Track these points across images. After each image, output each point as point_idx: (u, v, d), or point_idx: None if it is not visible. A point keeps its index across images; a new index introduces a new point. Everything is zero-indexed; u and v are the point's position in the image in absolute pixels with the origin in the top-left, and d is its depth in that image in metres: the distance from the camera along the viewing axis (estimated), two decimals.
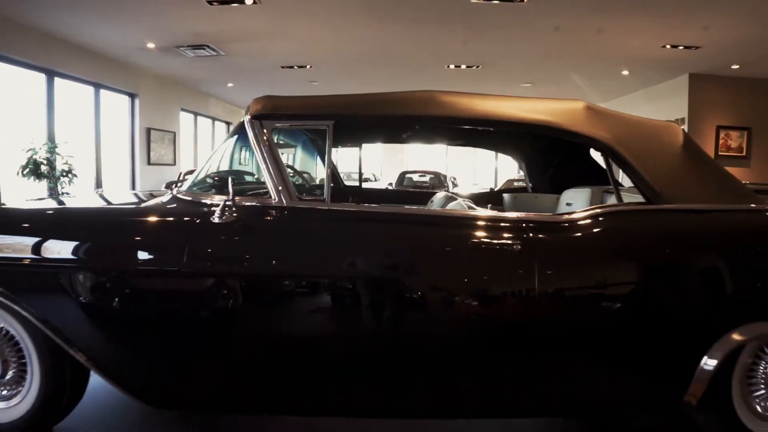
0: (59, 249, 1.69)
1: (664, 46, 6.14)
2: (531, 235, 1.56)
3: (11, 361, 1.82)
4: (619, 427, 2.02)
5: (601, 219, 1.61)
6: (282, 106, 1.73)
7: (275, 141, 1.69)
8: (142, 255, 1.62)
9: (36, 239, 1.70)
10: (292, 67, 7.77)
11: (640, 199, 1.73)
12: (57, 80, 6.26)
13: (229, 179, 1.56)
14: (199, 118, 10.55)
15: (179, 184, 2.01)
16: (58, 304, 1.65)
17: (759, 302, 1.60)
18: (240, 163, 1.99)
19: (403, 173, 11.01)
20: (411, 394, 1.65)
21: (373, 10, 5.15)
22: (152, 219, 1.72)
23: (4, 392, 1.85)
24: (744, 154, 8.00)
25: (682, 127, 1.87)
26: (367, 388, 1.65)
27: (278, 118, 1.71)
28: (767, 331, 1.60)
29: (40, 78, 6.06)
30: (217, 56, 6.98)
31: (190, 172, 6.94)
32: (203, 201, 1.73)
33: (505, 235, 1.57)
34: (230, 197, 1.55)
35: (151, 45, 6.48)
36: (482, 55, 6.96)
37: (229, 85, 9.45)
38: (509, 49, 6.55)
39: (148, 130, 8.26)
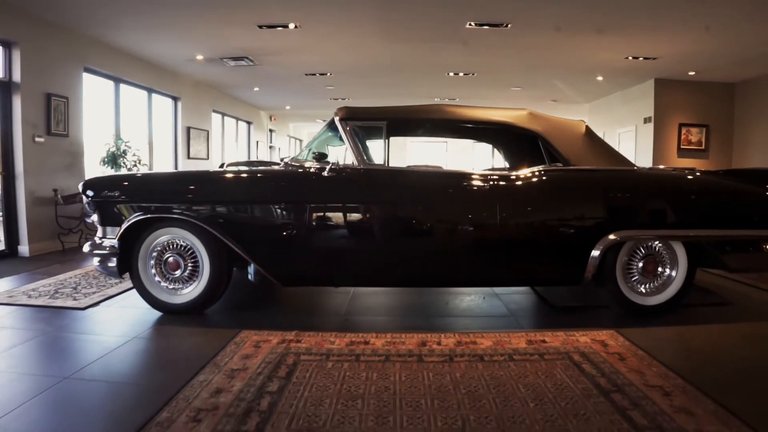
0: (236, 191, 2.97)
1: (627, 58, 7.40)
2: (495, 183, 2.85)
3: (188, 264, 3.09)
4: (558, 306, 3.30)
5: (535, 174, 2.90)
6: (356, 112, 3.01)
7: (354, 132, 2.97)
8: (285, 194, 2.90)
9: (227, 187, 3.00)
10: (314, 74, 9.02)
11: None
12: (122, 86, 7.52)
13: (333, 156, 2.84)
14: (225, 118, 11.79)
15: (289, 157, 3.30)
16: (232, 223, 2.90)
17: (623, 218, 2.88)
18: (326, 146, 3.28)
19: (408, 167, 11.96)
20: (429, 273, 2.93)
21: (388, 33, 6.42)
22: (287, 174, 3.01)
23: (185, 284, 3.11)
24: (703, 147, 9.25)
25: (586, 124, 3.15)
26: (401, 269, 2.93)
27: (355, 119, 2.98)
28: (627, 234, 2.86)
29: (109, 84, 7.32)
30: (252, 66, 8.22)
31: (231, 164, 8.22)
32: (305, 165, 3.03)
33: (480, 183, 2.87)
34: (336, 162, 2.82)
35: (199, 57, 7.72)
36: (476, 66, 8.21)
37: (256, 89, 10.68)
38: (499, 62, 7.80)
39: (188, 129, 9.50)
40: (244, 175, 3.12)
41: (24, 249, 5.24)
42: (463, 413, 1.79)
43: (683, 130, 9.10)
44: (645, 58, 7.37)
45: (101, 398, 1.98)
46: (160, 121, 8.85)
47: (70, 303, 3.38)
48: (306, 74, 9.00)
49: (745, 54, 6.93)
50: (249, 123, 13.09)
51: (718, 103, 9.03)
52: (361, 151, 2.91)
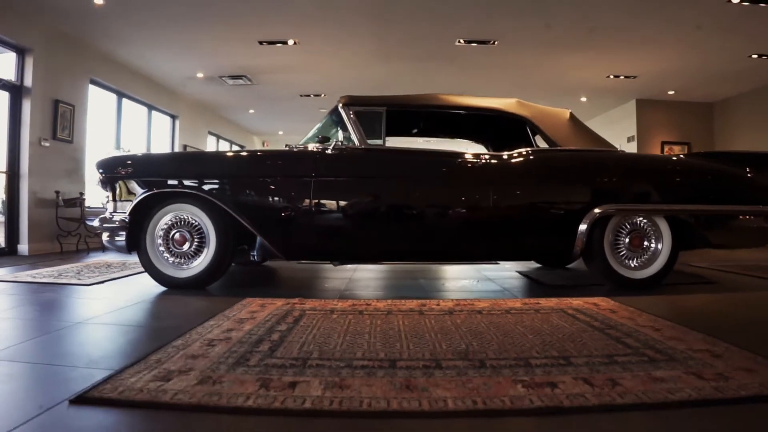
0: (245, 168, 3.11)
1: (608, 76, 7.82)
2: (487, 161, 3.04)
3: (195, 241, 3.18)
4: (550, 283, 3.42)
5: (523, 153, 3.09)
6: (358, 99, 3.20)
7: (356, 117, 3.16)
8: (291, 170, 3.04)
9: (237, 164, 3.15)
10: (309, 95, 9.32)
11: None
12: (124, 100, 7.73)
13: (340, 135, 3.01)
14: (220, 140, 12.02)
15: (296, 143, 3.46)
16: (241, 198, 3.02)
17: (606, 194, 3.06)
18: (326, 132, 3.46)
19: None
20: (428, 247, 3.06)
21: (382, 50, 6.76)
22: (294, 152, 3.15)
23: (191, 259, 3.18)
24: None
25: (570, 111, 3.40)
26: (401, 241, 3.06)
27: (357, 105, 3.17)
28: (610, 208, 3.02)
29: (112, 97, 7.53)
30: (250, 85, 8.51)
31: None
32: (308, 147, 3.18)
33: (474, 160, 3.05)
34: (339, 140, 2.99)
35: (200, 74, 7.99)
36: (465, 86, 8.57)
37: (251, 111, 10.96)
38: (487, 82, 8.18)
39: (185, 147, 9.67)
40: (254, 153, 3.28)
41: (23, 248, 5.27)
42: (466, 341, 1.89)
43: (666, 148, 9.49)
44: (626, 77, 7.79)
45: (115, 335, 2.04)
46: (158, 137, 9.04)
47: (75, 281, 3.43)
48: (301, 95, 9.30)
49: (722, 70, 7.33)
50: (242, 147, 13.33)
51: (698, 122, 9.48)
52: (362, 132, 3.08)
